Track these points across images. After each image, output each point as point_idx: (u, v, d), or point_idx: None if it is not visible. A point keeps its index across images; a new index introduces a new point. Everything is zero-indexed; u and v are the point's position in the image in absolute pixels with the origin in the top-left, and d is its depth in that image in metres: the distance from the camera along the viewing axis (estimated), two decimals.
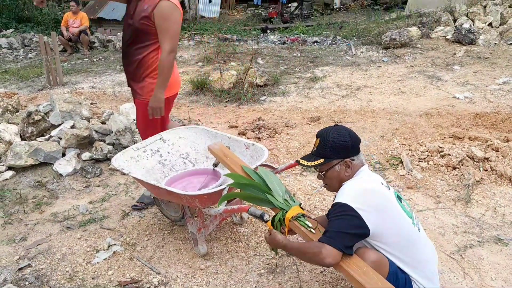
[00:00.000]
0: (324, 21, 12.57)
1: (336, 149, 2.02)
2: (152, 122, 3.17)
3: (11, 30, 12.34)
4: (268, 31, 12.15)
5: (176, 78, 3.18)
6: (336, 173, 2.04)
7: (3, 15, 13.07)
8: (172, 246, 2.95)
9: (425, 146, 4.04)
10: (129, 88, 3.23)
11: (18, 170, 4.14)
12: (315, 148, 2.10)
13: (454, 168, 3.72)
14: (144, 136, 3.23)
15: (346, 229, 1.81)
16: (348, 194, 1.90)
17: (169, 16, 2.85)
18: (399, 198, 2.01)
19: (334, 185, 2.09)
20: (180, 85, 3.35)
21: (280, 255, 2.76)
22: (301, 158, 2.15)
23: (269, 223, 2.08)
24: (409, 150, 4.09)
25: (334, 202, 1.92)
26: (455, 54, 7.48)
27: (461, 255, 2.74)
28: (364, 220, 1.82)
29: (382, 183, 2.00)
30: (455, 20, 9.03)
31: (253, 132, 4.82)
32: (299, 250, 1.93)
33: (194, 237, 2.78)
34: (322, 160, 2.04)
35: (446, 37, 8.40)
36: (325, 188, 2.17)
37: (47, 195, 3.76)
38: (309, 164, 2.07)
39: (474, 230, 2.99)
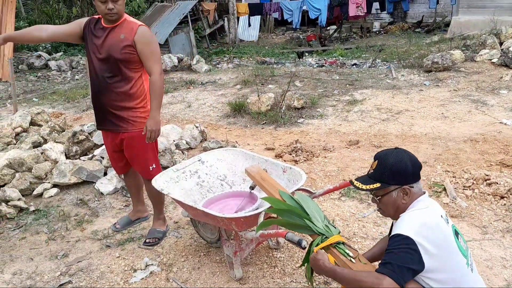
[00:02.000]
0: (363, 44, 12.52)
1: (394, 175, 1.90)
2: (153, 146, 3.13)
3: (60, 53, 13.00)
4: (306, 54, 12.21)
5: None
6: (393, 199, 1.93)
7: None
8: (208, 269, 2.93)
9: (470, 174, 3.88)
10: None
11: (62, 187, 4.28)
12: (372, 171, 1.98)
13: (502, 198, 3.54)
14: (153, 163, 3.16)
15: (408, 264, 1.72)
16: (410, 227, 1.79)
17: (151, 39, 2.91)
18: (456, 233, 1.90)
19: (389, 212, 1.98)
20: None
21: (316, 282, 2.69)
22: (355, 179, 2.04)
23: (333, 238, 1.99)
24: (453, 177, 3.93)
25: (395, 233, 1.81)
26: (501, 78, 7.22)
27: None
28: (422, 256, 1.73)
29: (442, 216, 1.88)
30: (501, 43, 8.75)
31: (290, 154, 4.79)
32: (351, 277, 1.81)
33: (230, 260, 2.76)
34: (378, 185, 1.93)
35: (492, 61, 8.13)
36: (379, 212, 2.08)
37: (88, 213, 3.86)
38: (364, 187, 1.97)
39: None
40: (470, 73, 7.72)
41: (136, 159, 3.13)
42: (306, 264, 2.16)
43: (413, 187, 1.91)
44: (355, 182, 2.02)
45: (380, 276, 1.72)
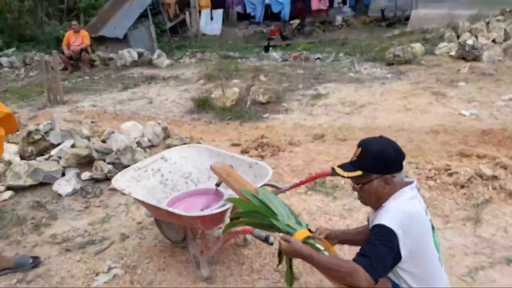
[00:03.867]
0: (326, 38, 12.64)
1: (377, 163, 1.86)
2: None
3: (12, 49, 12.41)
4: (271, 48, 12.19)
5: None
6: (374, 188, 1.88)
7: (5, 34, 13.16)
8: (174, 269, 2.86)
9: (433, 164, 3.97)
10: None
11: (17, 190, 4.06)
12: (355, 158, 1.94)
13: (462, 187, 3.64)
14: None
15: (386, 258, 1.71)
16: (394, 216, 1.77)
17: None
18: (433, 228, 1.89)
19: (369, 200, 1.95)
20: None
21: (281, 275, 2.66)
22: (337, 166, 1.99)
23: (299, 233, 1.95)
24: (416, 168, 4.01)
25: (378, 223, 1.78)
26: (459, 70, 7.46)
27: (472, 277, 2.66)
28: (400, 248, 1.72)
29: (425, 210, 1.87)
30: (458, 37, 9.04)
31: (256, 150, 4.75)
32: (328, 262, 1.78)
33: (196, 259, 2.70)
34: (360, 173, 1.88)
35: (450, 54, 8.39)
36: (359, 201, 2.04)
37: (46, 216, 3.68)
38: (345, 174, 1.92)
39: (485, 251, 2.90)
40: (430, 66, 7.93)
41: None
42: (286, 269, 2.09)
43: (395, 176, 1.87)
44: (337, 169, 1.97)
45: (356, 267, 1.69)
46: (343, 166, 1.97)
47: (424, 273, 1.81)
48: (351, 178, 1.94)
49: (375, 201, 1.92)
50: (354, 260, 1.74)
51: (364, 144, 1.94)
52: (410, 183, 1.93)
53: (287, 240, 1.90)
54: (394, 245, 1.72)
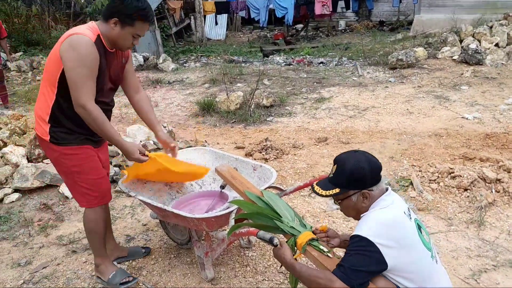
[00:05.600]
0: (329, 42, 12.67)
1: (353, 180, 1.88)
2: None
3: (20, 53, 12.52)
4: (274, 53, 12.23)
5: None
6: (353, 203, 1.91)
7: (12, 39, 13.28)
8: (179, 271, 2.88)
9: (435, 167, 3.98)
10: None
11: (25, 192, 4.11)
12: (331, 175, 1.97)
13: (465, 190, 3.65)
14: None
15: (363, 267, 1.72)
16: (369, 227, 1.78)
17: None
18: (419, 228, 1.90)
19: (350, 214, 1.99)
20: None
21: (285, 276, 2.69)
22: (316, 184, 2.03)
23: (304, 235, 1.99)
24: (419, 171, 4.02)
25: (354, 234, 1.81)
26: (462, 74, 7.47)
27: (475, 280, 2.66)
28: (383, 256, 1.73)
29: (404, 212, 1.88)
30: (461, 41, 9.05)
31: (260, 153, 4.78)
32: (307, 274, 1.84)
33: (201, 261, 2.72)
34: (337, 190, 1.91)
35: (453, 58, 8.41)
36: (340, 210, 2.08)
37: (52, 217, 3.72)
38: (324, 193, 1.95)
39: (488, 254, 2.91)
40: (433, 70, 7.95)
41: None
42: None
43: (372, 190, 1.89)
44: (316, 187, 2.01)
45: (332, 277, 1.74)
46: (322, 184, 2.00)
47: (420, 275, 1.81)
48: (329, 196, 1.96)
49: (355, 214, 1.96)
50: (332, 271, 1.78)
51: (339, 161, 1.96)
52: (387, 189, 1.95)
53: (281, 244, 1.95)
54: (372, 253, 1.73)
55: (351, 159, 1.92)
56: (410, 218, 1.88)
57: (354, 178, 1.88)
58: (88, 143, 2.55)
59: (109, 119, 2.60)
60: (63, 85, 2.35)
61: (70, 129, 2.47)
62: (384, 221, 1.80)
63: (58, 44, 2.34)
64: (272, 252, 1.98)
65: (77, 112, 2.35)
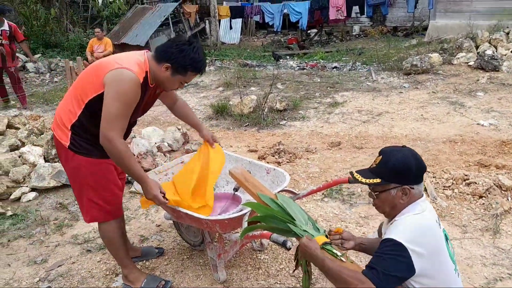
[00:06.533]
0: (343, 47, 12.64)
1: (397, 173, 1.84)
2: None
3: (38, 55, 12.76)
4: (288, 57, 12.24)
5: None
6: (391, 197, 1.86)
7: (31, 41, 13.55)
8: (192, 272, 2.91)
9: (450, 174, 3.94)
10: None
11: (41, 191, 4.19)
12: (374, 165, 1.92)
13: (480, 197, 3.61)
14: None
15: (396, 272, 1.70)
16: (404, 232, 1.75)
17: None
18: (446, 239, 1.88)
19: (384, 209, 1.94)
20: None
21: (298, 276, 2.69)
22: (356, 171, 1.97)
23: (317, 239, 1.95)
24: (433, 177, 3.99)
25: (387, 237, 1.78)
26: (478, 80, 7.39)
27: None
28: (413, 263, 1.71)
29: (436, 221, 1.86)
30: (477, 47, 8.96)
31: (273, 156, 4.79)
32: (337, 271, 1.78)
33: (214, 263, 2.74)
34: (378, 180, 1.87)
35: (469, 64, 8.32)
36: (374, 207, 2.03)
37: (68, 217, 3.78)
38: (363, 180, 1.90)
39: (504, 262, 2.88)
40: (448, 76, 7.88)
41: None
42: (303, 274, 2.11)
43: (413, 188, 1.85)
44: (355, 174, 1.96)
45: (364, 279, 1.70)
46: (362, 172, 1.96)
47: (441, 285, 1.79)
48: (369, 185, 1.93)
49: (390, 210, 1.91)
50: (363, 272, 1.74)
51: (385, 153, 1.92)
52: (423, 195, 1.91)
53: (309, 238, 1.92)
54: (405, 258, 1.71)
55: (399, 152, 1.89)
56: (440, 227, 1.86)
57: (398, 172, 1.84)
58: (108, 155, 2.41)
59: (129, 133, 2.59)
60: (91, 108, 2.32)
61: (91, 143, 2.41)
62: (420, 227, 1.78)
63: (104, 67, 2.30)
64: (300, 242, 1.93)
65: (100, 143, 2.28)
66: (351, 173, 1.99)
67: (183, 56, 2.32)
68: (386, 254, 1.73)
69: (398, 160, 1.85)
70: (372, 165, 1.96)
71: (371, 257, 1.83)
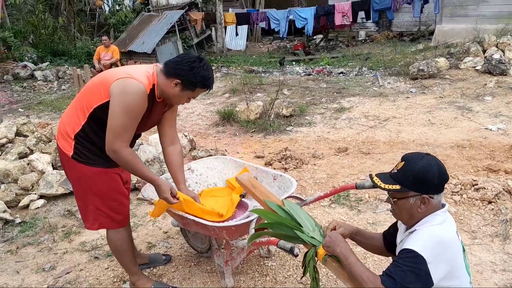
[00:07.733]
0: (349, 53, 12.63)
1: (418, 181, 1.78)
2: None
3: (46, 63, 12.90)
4: (293, 63, 12.26)
5: None
6: (409, 205, 1.81)
7: (39, 49, 13.71)
8: (199, 279, 2.90)
9: (458, 179, 3.91)
10: None
11: (49, 198, 4.21)
12: (395, 171, 1.86)
13: (489, 202, 3.58)
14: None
15: (413, 284, 1.67)
16: (424, 245, 1.71)
17: None
18: (463, 250, 1.85)
19: (401, 216, 1.90)
20: None
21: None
22: (375, 175, 1.92)
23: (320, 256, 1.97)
24: None
25: (408, 247, 1.74)
26: (485, 84, 7.34)
27: None
28: (431, 277, 1.68)
29: (456, 233, 1.82)
30: (484, 51, 8.91)
31: (280, 162, 4.79)
32: (359, 270, 1.77)
33: (221, 269, 2.73)
34: (398, 187, 1.81)
35: (476, 68, 8.28)
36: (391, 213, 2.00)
37: (76, 224, 3.80)
38: (382, 185, 1.85)
39: None
40: (455, 80, 7.84)
41: None
42: (311, 281, 2.08)
43: (433, 198, 1.80)
44: (375, 178, 1.91)
45: (378, 283, 1.69)
46: (382, 176, 1.90)
47: None
48: (388, 191, 1.88)
49: (408, 218, 1.87)
50: (381, 278, 1.72)
51: (408, 159, 1.86)
52: (443, 205, 1.87)
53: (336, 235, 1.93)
54: (422, 271, 1.68)
55: (422, 160, 1.83)
56: (459, 239, 1.83)
57: (420, 179, 1.78)
58: (113, 165, 2.43)
59: (133, 146, 2.56)
60: (95, 117, 2.32)
61: (95, 152, 2.41)
62: (441, 240, 1.74)
63: (111, 77, 2.29)
64: (327, 233, 1.95)
65: (107, 153, 2.30)
66: (371, 176, 1.94)
67: (194, 73, 2.33)
68: (406, 265, 1.70)
69: (420, 168, 1.79)
70: (393, 169, 1.90)
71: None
